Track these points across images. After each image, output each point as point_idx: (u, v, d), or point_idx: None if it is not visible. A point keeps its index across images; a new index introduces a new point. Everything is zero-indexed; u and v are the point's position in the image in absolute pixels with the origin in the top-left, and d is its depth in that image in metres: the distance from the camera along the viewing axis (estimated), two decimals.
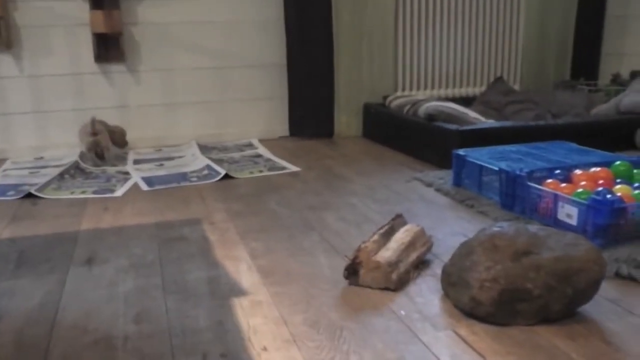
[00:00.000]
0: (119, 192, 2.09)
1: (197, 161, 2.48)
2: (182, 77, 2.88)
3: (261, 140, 2.98)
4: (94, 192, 2.09)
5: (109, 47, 2.74)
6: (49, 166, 2.45)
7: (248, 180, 2.23)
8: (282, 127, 3.04)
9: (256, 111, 3.01)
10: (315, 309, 1.22)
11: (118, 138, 2.71)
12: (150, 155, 2.67)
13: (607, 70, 3.51)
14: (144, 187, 2.15)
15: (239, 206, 1.92)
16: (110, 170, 2.39)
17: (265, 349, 1.07)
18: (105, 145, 2.49)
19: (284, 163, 2.47)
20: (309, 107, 2.97)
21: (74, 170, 2.35)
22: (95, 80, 2.77)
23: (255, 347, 1.08)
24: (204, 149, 2.72)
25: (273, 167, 2.42)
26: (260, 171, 2.35)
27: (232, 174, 2.27)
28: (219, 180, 2.22)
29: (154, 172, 2.35)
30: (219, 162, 2.44)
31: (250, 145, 2.85)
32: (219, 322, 1.17)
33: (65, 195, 2.07)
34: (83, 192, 2.10)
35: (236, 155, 2.64)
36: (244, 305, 1.24)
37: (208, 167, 2.37)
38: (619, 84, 3.21)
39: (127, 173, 2.34)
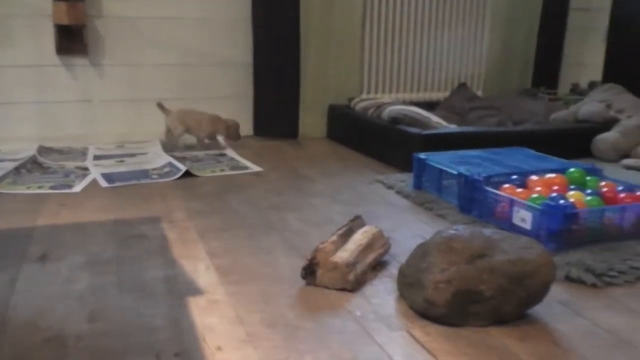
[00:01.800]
0: (77, 188, 2.06)
1: (159, 158, 2.45)
2: (147, 73, 2.84)
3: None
4: (52, 188, 2.05)
5: (71, 40, 2.68)
6: (5, 160, 2.39)
7: (210, 179, 2.22)
8: (246, 127, 3.02)
9: (221, 110, 2.98)
10: (272, 309, 1.22)
11: (232, 132, 2.70)
12: (111, 151, 2.63)
13: (567, 79, 3.60)
14: (103, 183, 2.12)
15: (200, 205, 1.91)
16: (69, 165, 2.35)
17: (219, 348, 1.07)
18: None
19: (247, 162, 2.46)
20: (275, 107, 2.96)
21: (31, 165, 2.31)
22: (57, 73, 2.71)
23: (209, 347, 1.07)
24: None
25: (236, 166, 2.41)
26: (222, 170, 2.34)
27: (193, 172, 2.26)
28: (181, 178, 2.20)
29: (115, 169, 2.31)
30: (181, 160, 2.42)
31: (214, 144, 2.83)
32: (174, 321, 1.16)
33: (21, 190, 2.03)
34: (40, 187, 2.05)
35: (200, 153, 2.62)
36: (200, 304, 1.24)
37: (170, 164, 2.34)
38: (577, 93, 3.29)
39: (86, 169, 2.31)
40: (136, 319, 1.17)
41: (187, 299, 1.26)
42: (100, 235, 1.63)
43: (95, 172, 2.25)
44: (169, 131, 2.67)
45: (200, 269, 1.41)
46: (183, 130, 2.65)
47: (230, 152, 2.64)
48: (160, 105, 2.65)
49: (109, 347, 1.07)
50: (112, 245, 1.55)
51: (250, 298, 1.27)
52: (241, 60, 2.97)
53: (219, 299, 1.26)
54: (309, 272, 1.32)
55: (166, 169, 2.30)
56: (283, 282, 1.35)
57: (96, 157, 2.50)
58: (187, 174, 2.24)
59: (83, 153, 2.58)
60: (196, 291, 1.30)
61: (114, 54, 2.77)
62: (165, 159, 2.42)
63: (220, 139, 2.76)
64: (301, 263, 1.41)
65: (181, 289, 1.30)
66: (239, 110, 3.00)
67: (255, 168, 2.39)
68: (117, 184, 2.12)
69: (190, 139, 2.70)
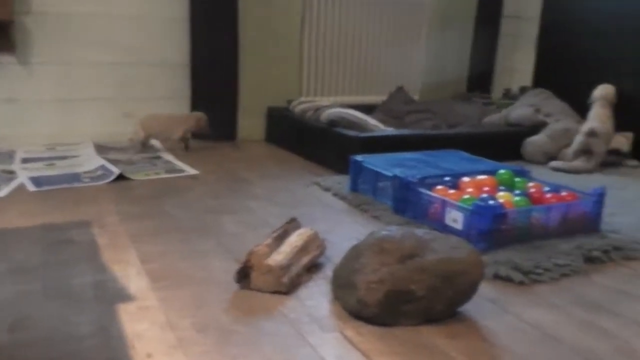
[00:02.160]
0: (3, 193, 1.97)
1: (92, 161, 2.38)
2: (79, 72, 2.75)
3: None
4: None
5: None
6: None
7: (145, 183, 2.17)
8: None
9: (158, 111, 2.93)
10: (204, 313, 1.20)
11: (204, 124, 2.71)
12: (40, 153, 2.53)
13: (500, 84, 3.72)
14: (31, 187, 2.04)
15: (133, 209, 1.86)
16: None
17: (149, 355, 1.05)
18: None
19: (183, 165, 2.42)
20: (212, 109, 2.92)
21: None
22: None
23: (139, 354, 1.05)
24: (101, 148, 2.62)
25: (172, 169, 2.36)
26: (157, 173, 2.29)
27: (127, 175, 2.20)
28: (114, 181, 2.14)
29: (43, 172, 2.23)
30: (115, 162, 2.35)
31: (150, 147, 2.77)
32: (102, 328, 1.13)
33: None
34: None
35: (134, 156, 2.56)
36: (130, 310, 1.20)
37: (102, 167, 2.28)
38: (509, 98, 3.41)
39: (12, 172, 2.21)
40: (62, 328, 1.13)
41: (116, 305, 1.22)
42: (25, 241, 1.56)
43: (23, 176, 2.16)
44: (131, 137, 2.68)
45: (131, 274, 1.38)
46: (145, 137, 2.64)
47: (166, 155, 2.59)
48: (127, 115, 2.72)
49: (32, 358, 1.02)
50: (38, 251, 1.49)
51: (182, 303, 1.24)
52: (178, 61, 2.92)
53: (149, 304, 1.23)
54: (243, 275, 1.31)
55: (99, 172, 2.24)
56: (217, 286, 1.33)
57: (24, 160, 2.40)
58: (121, 177, 2.18)
59: (10, 156, 2.47)
60: (126, 297, 1.26)
61: (43, 51, 2.67)
62: (98, 161, 2.35)
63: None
64: (236, 266, 1.39)
65: (110, 295, 1.27)
66: (176, 111, 2.95)
67: (192, 171, 2.35)
68: (46, 187, 2.04)
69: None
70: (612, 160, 2.66)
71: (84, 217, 1.77)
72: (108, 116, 2.84)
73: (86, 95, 2.77)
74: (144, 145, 2.67)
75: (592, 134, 2.55)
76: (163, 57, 2.90)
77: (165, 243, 1.58)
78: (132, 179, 2.19)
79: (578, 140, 2.59)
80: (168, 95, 2.94)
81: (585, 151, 2.58)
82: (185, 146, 2.72)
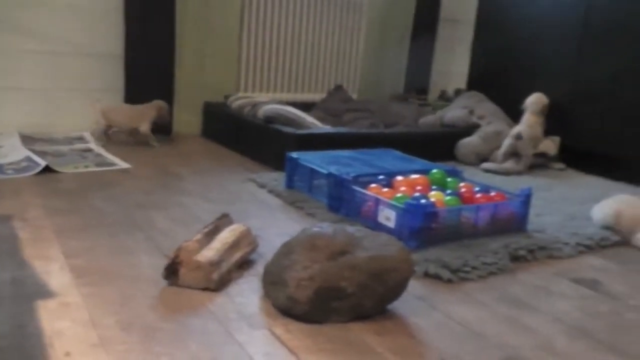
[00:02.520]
0: None
1: (17, 152, 2.27)
2: (4, 60, 2.63)
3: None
4: None
5: None
6: None
7: (73, 176, 2.09)
8: None
9: (89, 103, 2.83)
10: (129, 311, 1.17)
11: (165, 113, 2.70)
12: None
13: (436, 86, 3.79)
14: None
15: (59, 202, 1.79)
16: None
17: (68, 354, 1.00)
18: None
19: (114, 159, 2.35)
20: (147, 102, 2.85)
21: None
22: None
23: (57, 353, 1.00)
24: (28, 139, 2.50)
25: (102, 162, 2.29)
26: (87, 166, 2.21)
27: (54, 167, 2.11)
28: (40, 174, 2.05)
29: None
30: (41, 154, 2.26)
31: (81, 139, 2.68)
32: (18, 327, 1.08)
33: None
34: None
35: (64, 148, 2.46)
36: (50, 307, 1.15)
37: (28, 158, 2.18)
38: (445, 99, 3.48)
39: None
40: None
41: (35, 302, 1.17)
42: None
43: None
44: (93, 126, 2.68)
45: (53, 270, 1.32)
46: (105, 126, 2.65)
47: (97, 148, 2.51)
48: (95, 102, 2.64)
49: None
50: None
51: (106, 300, 1.20)
52: (112, 52, 2.83)
53: (71, 301, 1.18)
54: (172, 271, 1.28)
55: (24, 164, 2.14)
56: (144, 283, 1.29)
57: None
58: (48, 169, 2.09)
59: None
60: (47, 294, 1.21)
61: None
62: (23, 152, 2.25)
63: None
64: (165, 263, 1.36)
65: (29, 292, 1.21)
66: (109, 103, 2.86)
67: (123, 165, 2.28)
68: None
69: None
70: (539, 163, 2.76)
71: (5, 210, 1.68)
72: (37, 107, 2.73)
73: (12, 83, 2.65)
74: (107, 135, 2.67)
75: (518, 137, 2.64)
76: (96, 48, 2.80)
77: (91, 238, 1.52)
78: (60, 172, 2.10)
79: (506, 143, 2.67)
80: (101, 87, 2.85)
81: (513, 153, 2.66)
82: (139, 138, 2.71)
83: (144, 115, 2.66)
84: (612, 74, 2.63)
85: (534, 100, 2.76)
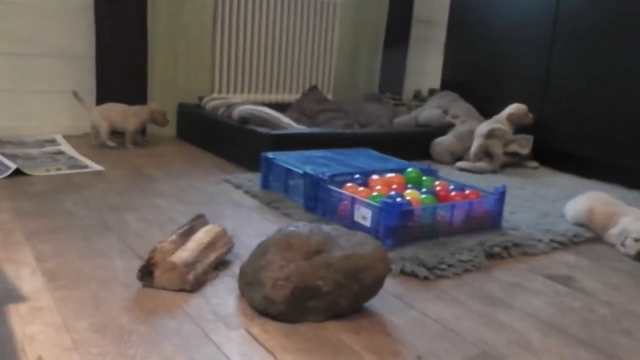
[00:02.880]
0: None
1: None
2: None
3: (66, 137, 2.76)
4: None
5: None
6: None
7: (44, 179, 2.05)
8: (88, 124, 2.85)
9: (60, 105, 2.79)
10: (103, 314, 1.15)
11: (160, 117, 2.67)
12: None
13: (411, 86, 3.82)
14: None
15: (30, 206, 1.75)
16: None
17: (40, 358, 0.98)
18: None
19: (87, 161, 2.32)
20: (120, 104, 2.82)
21: None
22: None
23: (29, 357, 0.98)
24: None
25: (74, 165, 2.25)
26: (59, 169, 2.17)
27: (25, 170, 2.08)
28: (11, 177, 2.01)
29: None
30: (12, 157, 2.22)
31: (52, 142, 2.63)
32: None
33: None
34: None
35: (34, 151, 2.42)
36: (21, 312, 1.13)
37: None
38: (419, 99, 3.50)
39: None
40: None
41: (6, 306, 1.15)
42: None
43: None
44: (94, 129, 2.60)
45: (24, 273, 1.29)
46: (108, 127, 2.58)
47: (69, 150, 2.47)
48: (76, 95, 2.57)
49: None
50: None
51: (79, 303, 1.18)
52: (83, 53, 2.80)
53: (43, 305, 1.16)
54: (146, 273, 1.26)
55: None
56: (117, 285, 1.27)
57: None
58: (18, 172, 2.05)
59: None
60: (18, 298, 1.18)
61: None
62: None
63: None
64: (139, 265, 1.34)
65: (0, 297, 1.18)
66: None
67: (96, 167, 2.25)
68: None
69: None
70: (513, 162, 2.79)
71: None
72: (6, 110, 2.68)
73: None
74: (108, 136, 2.60)
75: (489, 136, 2.66)
76: (66, 48, 2.76)
77: (63, 241, 1.50)
78: (31, 175, 2.06)
79: (476, 142, 2.69)
80: (72, 89, 2.80)
81: (485, 153, 2.68)
82: (142, 139, 2.72)
83: (135, 116, 2.63)
84: (583, 74, 2.68)
85: (514, 110, 2.78)
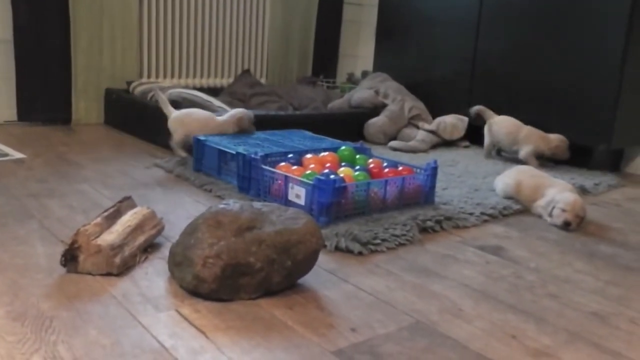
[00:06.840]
0: None
1: None
2: None
3: None
4: None
5: None
6: None
7: None
8: (8, 111, 2.71)
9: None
10: (22, 301, 1.09)
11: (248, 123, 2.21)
12: None
13: (344, 69, 3.82)
14: None
15: None
16: None
17: None
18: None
19: (7, 149, 2.20)
20: (41, 90, 2.70)
21: None
22: None
23: None
24: None
25: None
26: None
27: None
28: None
29: None
30: None
31: None
32: None
33: None
34: None
35: None
36: None
37: None
38: (353, 82, 3.51)
39: None
40: None
41: None
42: None
43: None
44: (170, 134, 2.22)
45: None
46: (183, 134, 2.17)
47: None
48: (157, 94, 2.26)
49: None
50: None
51: None
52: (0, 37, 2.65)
53: None
54: (70, 258, 1.21)
55: None
56: (38, 272, 1.21)
57: None
58: None
59: None
60: None
61: None
62: None
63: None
64: (62, 250, 1.28)
65: None
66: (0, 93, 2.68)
67: (17, 155, 2.14)
68: None
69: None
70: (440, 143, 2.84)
71: None
72: None
73: None
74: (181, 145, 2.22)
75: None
76: None
77: None
78: None
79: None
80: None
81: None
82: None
83: (217, 128, 2.19)
84: (509, 52, 2.74)
85: (559, 143, 2.50)
